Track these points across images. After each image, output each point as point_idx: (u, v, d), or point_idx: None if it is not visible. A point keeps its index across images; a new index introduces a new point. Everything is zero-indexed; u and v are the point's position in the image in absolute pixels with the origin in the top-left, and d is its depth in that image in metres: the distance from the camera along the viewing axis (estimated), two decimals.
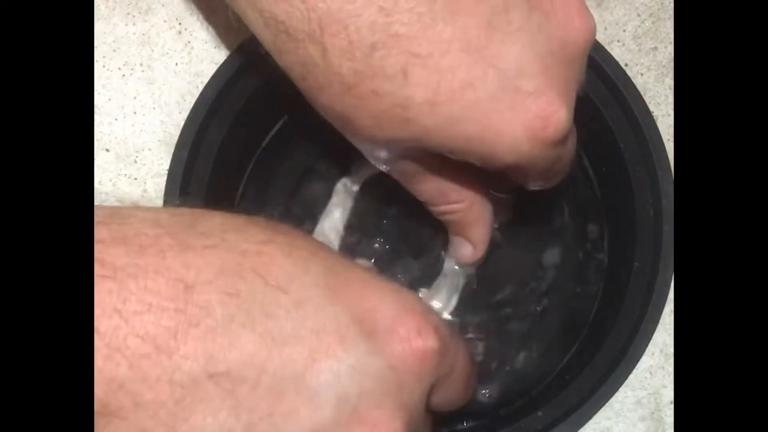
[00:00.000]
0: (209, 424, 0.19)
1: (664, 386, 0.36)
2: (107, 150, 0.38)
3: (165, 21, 0.39)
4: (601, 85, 0.33)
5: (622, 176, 0.33)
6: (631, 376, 0.31)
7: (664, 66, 0.37)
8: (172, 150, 0.32)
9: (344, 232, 0.36)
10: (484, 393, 0.35)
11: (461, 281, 0.36)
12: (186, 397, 0.19)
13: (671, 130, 0.36)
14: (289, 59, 0.26)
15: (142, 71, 0.38)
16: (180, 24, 0.39)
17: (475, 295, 0.36)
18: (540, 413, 0.31)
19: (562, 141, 0.26)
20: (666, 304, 0.31)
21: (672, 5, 0.37)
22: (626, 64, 0.37)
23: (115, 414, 0.19)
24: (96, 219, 0.20)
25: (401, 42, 0.24)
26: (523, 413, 0.31)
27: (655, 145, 0.32)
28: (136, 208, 0.21)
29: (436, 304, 0.36)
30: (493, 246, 0.36)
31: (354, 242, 0.36)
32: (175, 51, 0.38)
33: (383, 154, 0.28)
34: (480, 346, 0.35)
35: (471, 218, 0.32)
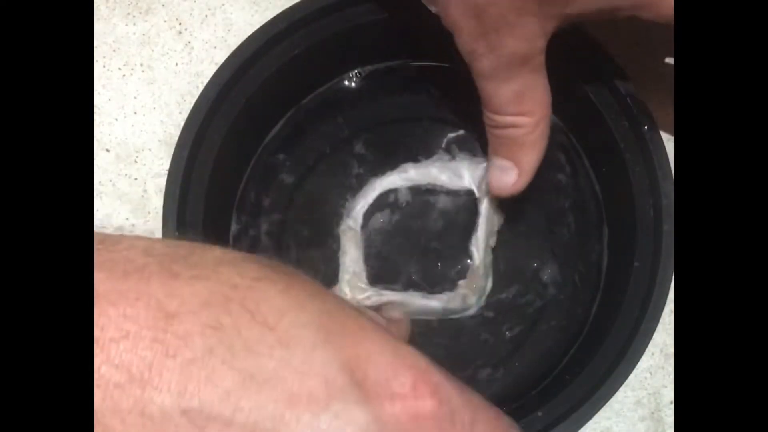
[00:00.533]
0: None
1: (664, 386, 0.36)
2: (107, 150, 0.38)
3: (165, 21, 0.39)
4: (601, 86, 0.33)
5: (622, 176, 0.33)
6: (631, 376, 0.31)
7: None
8: (172, 150, 0.32)
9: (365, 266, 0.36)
10: (484, 393, 0.35)
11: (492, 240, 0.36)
12: None
13: (671, 130, 0.36)
14: None
15: (142, 71, 0.38)
16: (180, 24, 0.39)
17: None
18: (540, 413, 0.31)
19: None
20: (666, 304, 0.31)
21: None
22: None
23: None
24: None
25: None
26: (523, 413, 0.31)
27: (655, 145, 0.33)
28: (134, 237, 0.20)
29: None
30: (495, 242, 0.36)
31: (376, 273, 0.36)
32: (175, 51, 0.38)
33: (495, 21, 0.27)
34: (480, 346, 0.36)
35: (533, 137, 0.31)
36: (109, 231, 0.37)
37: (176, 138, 0.33)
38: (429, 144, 0.37)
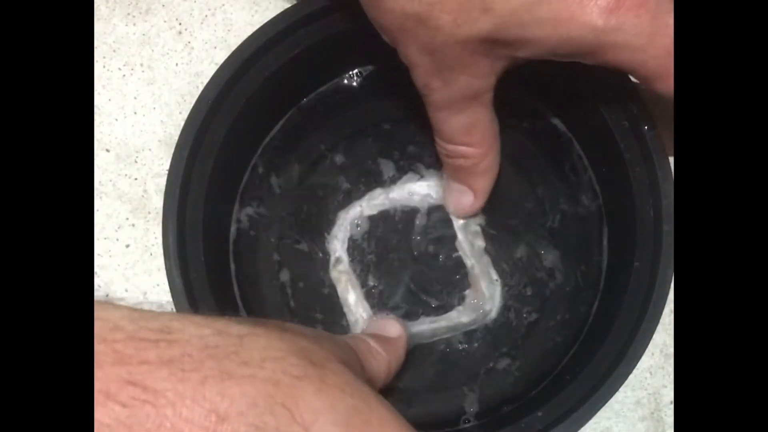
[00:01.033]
0: None
1: (664, 386, 0.36)
2: (107, 150, 0.38)
3: (165, 21, 0.39)
4: (601, 86, 0.33)
5: (622, 176, 0.33)
6: (631, 376, 0.31)
7: None
8: (172, 150, 0.33)
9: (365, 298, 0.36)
10: (485, 393, 0.35)
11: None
12: None
13: (671, 130, 0.36)
14: None
15: (142, 71, 0.38)
16: (180, 24, 0.39)
17: None
18: (540, 413, 0.31)
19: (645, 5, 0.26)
20: (666, 304, 0.31)
21: None
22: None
23: None
24: (143, 333, 0.21)
25: None
26: (523, 413, 0.31)
27: (655, 145, 0.33)
28: (185, 320, 0.22)
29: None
30: (492, 245, 0.36)
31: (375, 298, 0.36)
32: (175, 51, 0.38)
33: (449, 60, 0.28)
34: (480, 346, 0.36)
35: (482, 167, 0.33)
36: (113, 240, 0.37)
37: (176, 138, 0.33)
38: (431, 141, 0.37)
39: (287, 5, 0.34)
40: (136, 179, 0.38)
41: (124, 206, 0.38)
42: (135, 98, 0.38)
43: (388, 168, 0.37)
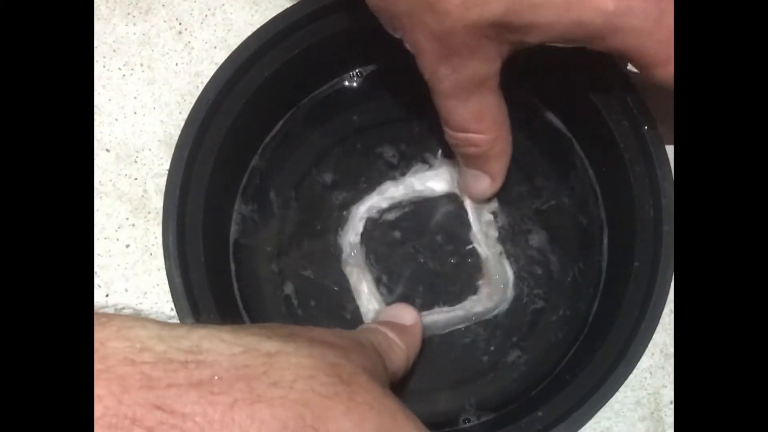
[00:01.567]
0: None
1: (664, 386, 0.36)
2: (107, 150, 0.38)
3: (165, 21, 0.39)
4: (601, 85, 0.33)
5: (622, 176, 0.33)
6: (631, 376, 0.31)
7: None
8: (172, 150, 0.33)
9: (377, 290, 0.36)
10: (485, 393, 0.35)
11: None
12: None
13: (671, 130, 0.36)
14: None
15: (142, 71, 0.38)
16: (180, 24, 0.39)
17: None
18: (540, 413, 0.31)
19: None
20: (666, 304, 0.31)
21: None
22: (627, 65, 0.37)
23: None
24: (172, 354, 0.21)
25: None
26: (523, 413, 0.31)
27: (655, 145, 0.33)
28: (214, 338, 0.22)
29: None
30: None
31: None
32: (175, 51, 0.38)
33: (457, 45, 0.28)
34: (480, 346, 0.36)
35: (495, 151, 0.33)
36: (113, 240, 0.37)
37: (176, 138, 0.33)
38: (431, 141, 0.37)
39: (287, 5, 0.34)
40: (136, 179, 0.38)
41: (124, 206, 0.38)
42: (135, 98, 0.38)
43: (393, 162, 0.37)
